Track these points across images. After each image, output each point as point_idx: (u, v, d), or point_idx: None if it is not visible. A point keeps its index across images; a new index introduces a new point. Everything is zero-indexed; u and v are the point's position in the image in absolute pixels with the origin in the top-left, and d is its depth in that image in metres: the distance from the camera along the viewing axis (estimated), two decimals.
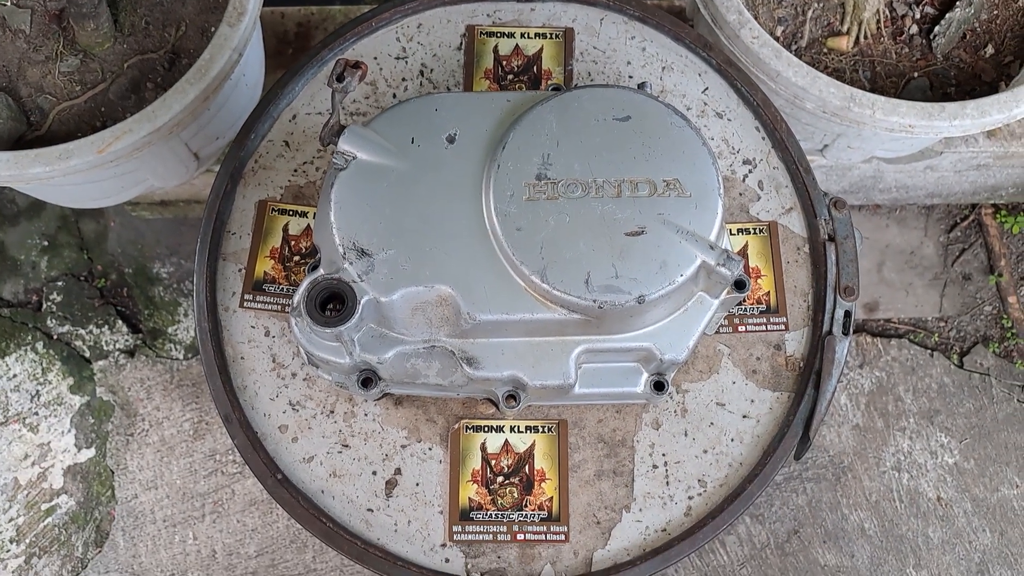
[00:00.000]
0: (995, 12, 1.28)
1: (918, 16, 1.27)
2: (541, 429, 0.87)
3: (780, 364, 0.89)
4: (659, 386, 0.83)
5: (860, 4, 1.23)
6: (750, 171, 0.92)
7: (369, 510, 0.85)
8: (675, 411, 0.88)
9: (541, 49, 0.92)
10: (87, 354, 1.57)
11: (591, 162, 0.76)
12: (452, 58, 0.93)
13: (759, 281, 0.91)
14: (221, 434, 1.51)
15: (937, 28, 1.24)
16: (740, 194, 0.91)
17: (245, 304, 0.89)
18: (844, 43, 1.23)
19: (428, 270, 0.75)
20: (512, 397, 0.81)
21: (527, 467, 0.86)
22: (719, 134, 0.91)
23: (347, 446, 0.86)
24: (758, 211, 0.92)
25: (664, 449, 0.87)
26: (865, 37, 1.23)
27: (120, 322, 1.60)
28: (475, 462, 0.86)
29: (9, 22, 1.18)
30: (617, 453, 0.87)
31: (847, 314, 0.88)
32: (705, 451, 0.87)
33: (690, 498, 0.85)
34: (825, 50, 1.23)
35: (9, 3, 1.18)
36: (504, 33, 0.92)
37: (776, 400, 0.88)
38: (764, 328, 0.90)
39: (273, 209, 0.90)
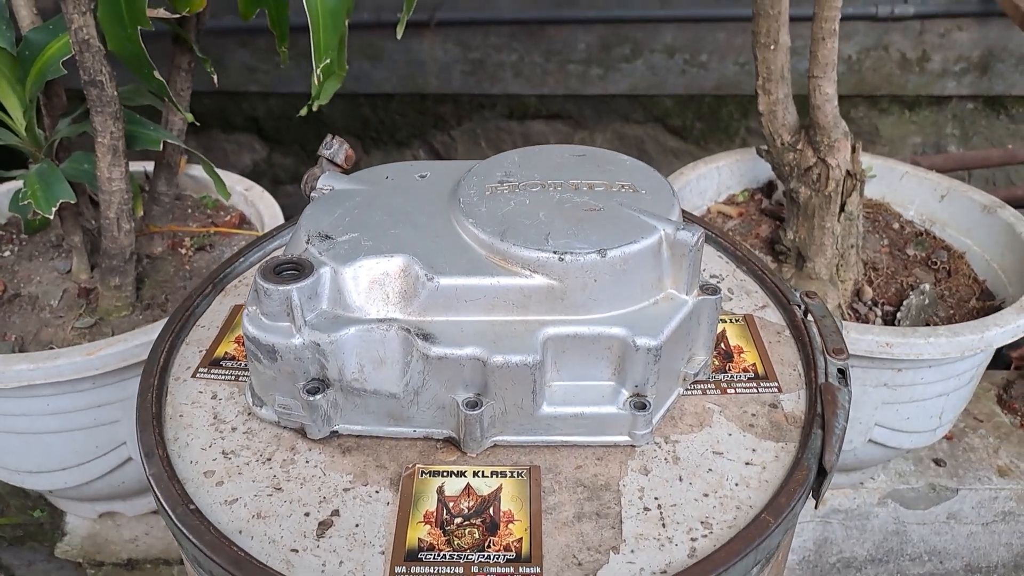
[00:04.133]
0: (951, 311, 1.38)
1: (880, 313, 1.37)
2: (509, 474, 0.74)
3: (779, 419, 0.79)
4: (640, 406, 0.74)
5: (821, 298, 1.35)
6: (718, 282, 0.94)
7: (294, 551, 0.68)
8: (665, 459, 0.75)
9: None
10: None
11: (549, 174, 0.82)
12: None
13: (742, 356, 0.86)
14: None
15: (899, 314, 1.34)
16: None
17: (198, 375, 0.84)
18: None
19: (389, 244, 0.75)
20: (475, 404, 0.73)
21: (491, 509, 0.71)
22: None
23: (279, 489, 0.73)
24: (731, 308, 0.91)
25: (656, 493, 0.72)
26: None
27: None
28: (429, 504, 0.71)
29: (41, 300, 1.31)
30: (600, 496, 0.72)
31: (841, 371, 0.82)
32: (706, 495, 0.72)
33: (693, 540, 0.68)
34: None
35: (45, 282, 1.33)
36: None
37: (781, 449, 0.76)
38: (755, 391, 0.82)
39: None
